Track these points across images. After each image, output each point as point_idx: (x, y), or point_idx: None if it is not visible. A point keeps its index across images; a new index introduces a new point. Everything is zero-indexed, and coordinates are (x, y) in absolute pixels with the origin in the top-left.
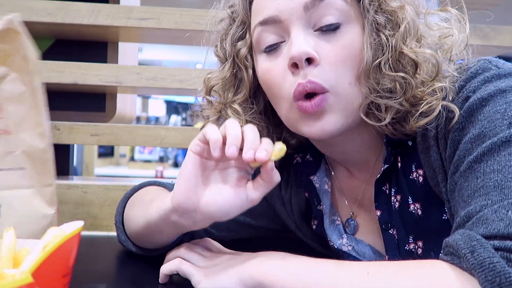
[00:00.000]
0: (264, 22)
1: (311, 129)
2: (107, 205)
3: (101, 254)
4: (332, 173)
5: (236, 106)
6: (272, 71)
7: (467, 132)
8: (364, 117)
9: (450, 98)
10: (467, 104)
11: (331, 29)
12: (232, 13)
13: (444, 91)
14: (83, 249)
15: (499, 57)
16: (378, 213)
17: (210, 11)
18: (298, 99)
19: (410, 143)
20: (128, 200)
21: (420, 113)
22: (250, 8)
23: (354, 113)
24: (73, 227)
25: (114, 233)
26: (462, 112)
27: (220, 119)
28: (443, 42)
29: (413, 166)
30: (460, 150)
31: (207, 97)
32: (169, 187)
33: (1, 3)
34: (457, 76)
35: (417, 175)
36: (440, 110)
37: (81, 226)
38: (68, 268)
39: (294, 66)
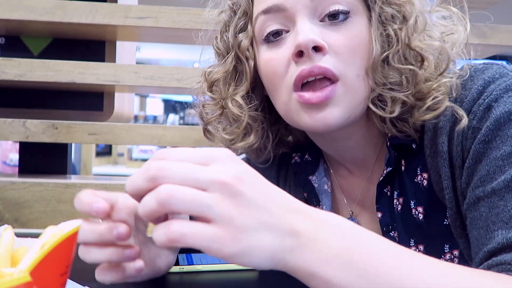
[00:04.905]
0: (268, 11)
1: (312, 120)
2: None
3: None
4: (331, 170)
5: (238, 98)
6: (274, 60)
7: (496, 147)
8: (372, 107)
9: (454, 95)
10: (493, 116)
11: (338, 19)
12: (233, 4)
13: (449, 86)
14: None
15: (497, 56)
16: (379, 215)
17: (208, 10)
18: (299, 89)
19: (414, 146)
20: None
21: (426, 107)
22: None
23: (358, 108)
24: (71, 226)
25: None
26: (488, 124)
27: (222, 116)
28: (446, 40)
29: (419, 169)
30: (488, 165)
31: (208, 93)
32: None
33: (0, 2)
34: (459, 73)
35: (422, 178)
36: (455, 113)
37: (79, 225)
38: (66, 267)
39: (299, 54)
